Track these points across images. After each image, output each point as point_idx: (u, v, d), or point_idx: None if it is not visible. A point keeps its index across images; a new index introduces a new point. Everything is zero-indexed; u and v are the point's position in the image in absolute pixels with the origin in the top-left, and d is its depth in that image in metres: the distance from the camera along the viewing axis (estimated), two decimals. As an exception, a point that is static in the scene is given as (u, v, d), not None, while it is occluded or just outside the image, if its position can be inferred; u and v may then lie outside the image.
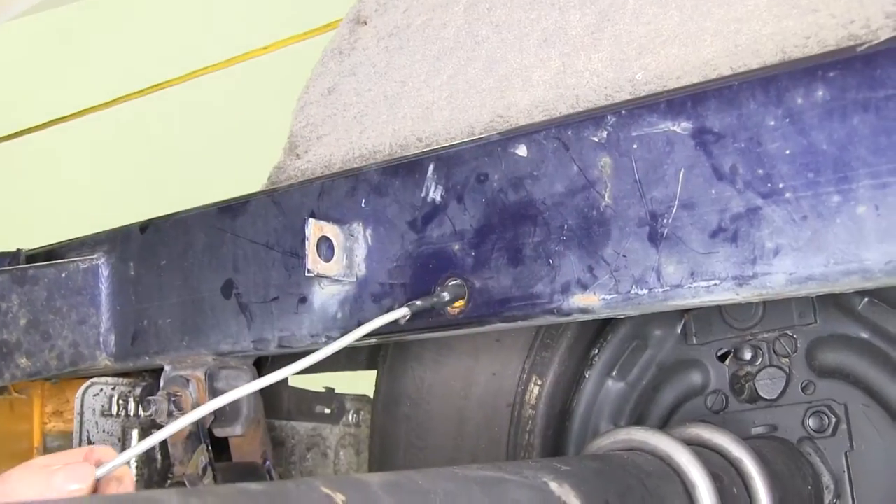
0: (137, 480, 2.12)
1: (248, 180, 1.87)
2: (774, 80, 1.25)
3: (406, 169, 1.57)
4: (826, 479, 1.93)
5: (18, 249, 2.11)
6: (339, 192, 1.63)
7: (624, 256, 1.34)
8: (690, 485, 1.42)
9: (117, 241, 1.93)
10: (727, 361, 2.10)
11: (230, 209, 1.76)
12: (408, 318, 1.49)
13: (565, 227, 1.39)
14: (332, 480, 0.94)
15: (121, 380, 2.06)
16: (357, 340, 1.49)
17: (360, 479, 0.98)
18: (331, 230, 1.57)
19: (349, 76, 1.82)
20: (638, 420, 2.15)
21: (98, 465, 1.25)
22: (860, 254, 1.18)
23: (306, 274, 1.54)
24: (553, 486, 1.19)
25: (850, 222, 1.19)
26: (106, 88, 2.73)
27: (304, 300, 1.65)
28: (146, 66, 3.24)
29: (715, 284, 1.27)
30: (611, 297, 1.36)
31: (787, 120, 1.24)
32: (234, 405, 1.93)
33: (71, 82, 4.96)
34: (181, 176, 4.65)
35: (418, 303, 1.48)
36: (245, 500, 0.83)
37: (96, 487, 1.27)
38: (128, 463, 1.32)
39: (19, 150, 2.94)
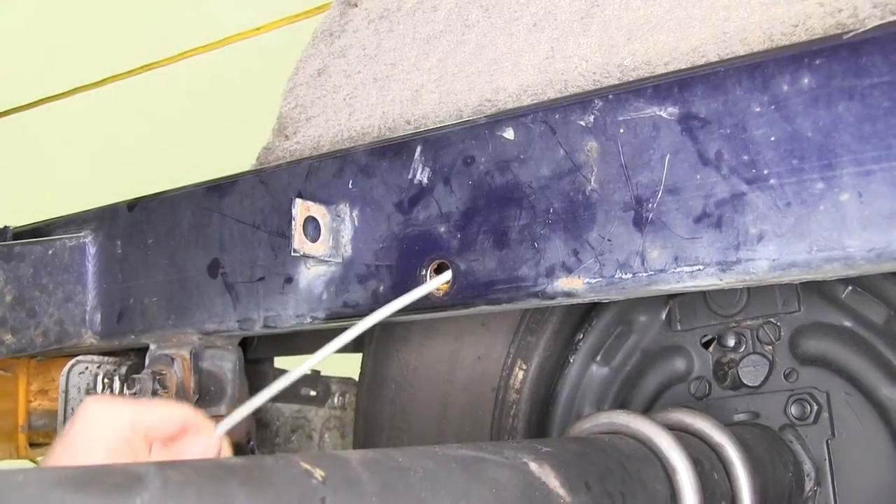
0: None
1: (237, 161, 1.87)
2: (761, 67, 1.26)
3: (393, 151, 1.57)
4: (807, 466, 1.93)
5: (6, 226, 2.11)
6: (327, 173, 1.63)
7: (609, 241, 1.35)
8: (671, 469, 1.42)
9: (104, 219, 1.93)
10: (711, 348, 2.10)
11: (218, 188, 1.76)
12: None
13: (551, 210, 1.40)
14: (312, 456, 0.94)
15: (106, 358, 2.06)
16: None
17: (340, 455, 0.99)
18: (317, 210, 1.57)
19: (339, 58, 1.82)
20: (621, 405, 2.16)
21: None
22: (843, 241, 1.18)
23: (292, 254, 1.54)
24: (533, 466, 1.19)
25: (833, 209, 1.19)
26: (96, 68, 2.72)
27: (289, 280, 1.65)
28: (137, 47, 3.23)
29: (699, 270, 1.28)
30: (595, 281, 1.36)
31: (773, 107, 1.24)
32: (220, 385, 1.93)
33: (61, 62, 4.94)
34: (169, 156, 4.64)
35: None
36: (223, 473, 0.84)
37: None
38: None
39: (6, 128, 2.93)
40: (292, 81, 1.88)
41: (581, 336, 2.22)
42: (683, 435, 1.55)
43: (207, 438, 1.35)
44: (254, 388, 2.21)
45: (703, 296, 2.10)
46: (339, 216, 1.60)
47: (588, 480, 1.25)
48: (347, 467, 0.96)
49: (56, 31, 5.76)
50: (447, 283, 1.48)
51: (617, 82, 1.46)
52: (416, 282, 1.52)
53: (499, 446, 1.22)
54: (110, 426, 1.28)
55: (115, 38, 5.32)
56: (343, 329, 1.41)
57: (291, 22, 2.11)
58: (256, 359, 2.45)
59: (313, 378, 2.71)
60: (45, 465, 1.30)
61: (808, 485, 1.92)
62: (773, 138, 1.23)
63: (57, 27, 5.75)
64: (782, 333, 2.03)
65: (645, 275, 1.32)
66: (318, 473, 0.91)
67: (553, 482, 1.19)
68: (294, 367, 2.57)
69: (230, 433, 1.40)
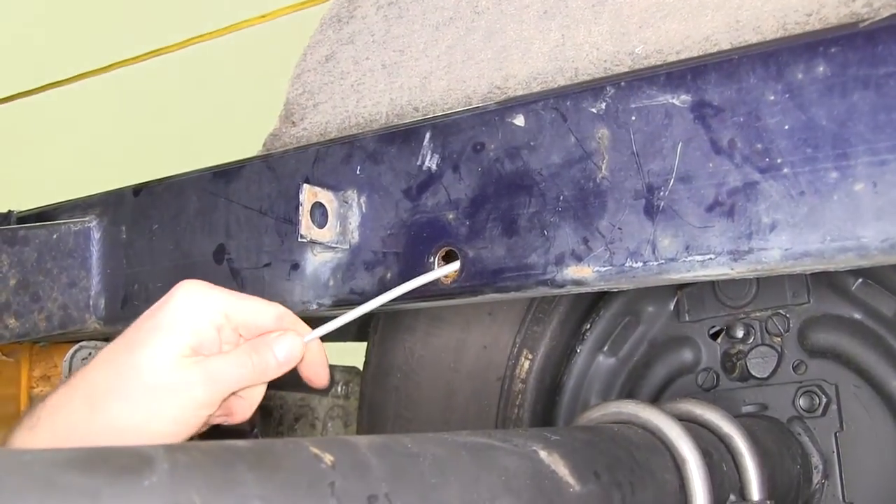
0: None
1: (244, 148, 1.86)
2: (775, 55, 1.25)
3: (402, 137, 1.56)
4: (815, 459, 1.93)
5: (10, 211, 2.10)
6: (335, 159, 1.62)
7: (619, 229, 1.34)
8: (680, 459, 1.42)
9: (109, 204, 1.92)
10: (719, 339, 2.09)
11: (224, 174, 1.76)
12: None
13: (561, 198, 1.39)
14: (321, 441, 0.93)
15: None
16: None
17: (349, 440, 0.98)
18: (325, 196, 1.56)
19: (347, 44, 1.81)
20: (628, 396, 2.15)
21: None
22: (856, 231, 1.17)
23: (299, 240, 1.53)
24: (542, 454, 1.19)
25: (847, 199, 1.18)
26: (102, 54, 2.71)
27: (296, 266, 1.64)
28: (144, 33, 3.22)
29: (710, 259, 1.27)
30: (605, 269, 1.35)
31: (787, 95, 1.23)
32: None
33: (67, 47, 4.93)
34: (176, 143, 4.64)
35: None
36: (232, 456, 0.83)
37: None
38: None
39: (13, 113, 2.93)
40: (300, 68, 1.87)
41: (588, 326, 2.21)
42: (692, 425, 1.54)
43: (295, 340, 1.35)
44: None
45: (712, 286, 2.09)
46: (346, 202, 1.59)
47: (597, 469, 1.24)
48: (356, 452, 0.95)
49: (63, 17, 5.75)
50: (455, 270, 1.47)
51: (628, 70, 1.45)
52: (424, 269, 1.51)
53: (508, 434, 1.21)
54: (203, 310, 1.29)
55: (122, 23, 5.32)
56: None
57: (299, 8, 2.10)
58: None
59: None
60: (123, 335, 1.31)
61: (816, 477, 1.92)
62: (786, 127, 1.22)
63: (63, 12, 5.75)
64: (791, 325, 2.02)
65: (655, 263, 1.31)
66: (328, 458, 0.90)
67: (562, 470, 1.18)
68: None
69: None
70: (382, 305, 1.50)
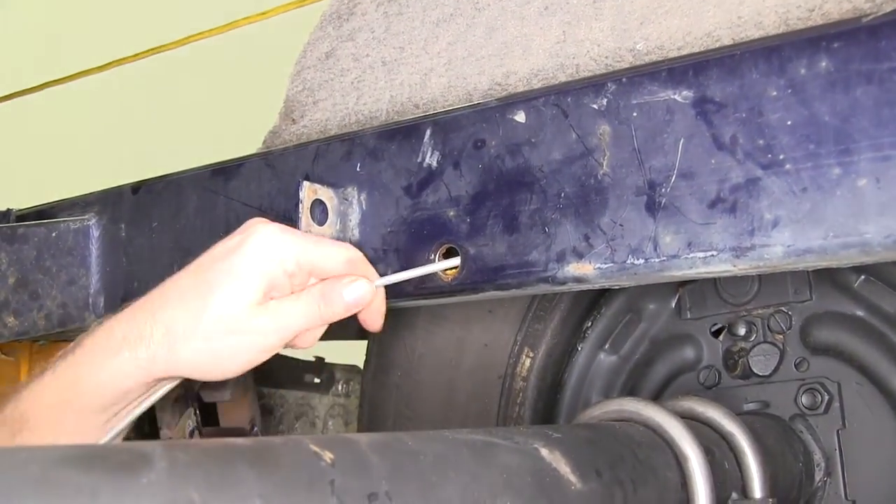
0: (125, 444, 2.12)
1: (244, 145, 1.85)
2: (777, 51, 1.24)
3: (402, 134, 1.56)
4: (817, 456, 1.92)
5: (9, 208, 2.10)
6: (335, 156, 1.62)
7: (621, 226, 1.33)
8: (682, 457, 1.41)
9: (109, 202, 1.91)
10: (721, 337, 2.09)
11: (224, 171, 1.75)
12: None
13: (562, 194, 1.38)
14: (321, 439, 0.93)
15: (109, 342, 2.05)
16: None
17: (349, 438, 0.97)
18: (325, 193, 1.55)
19: (347, 41, 1.81)
20: (629, 394, 2.14)
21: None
22: (859, 227, 1.17)
23: (299, 237, 1.52)
24: (544, 452, 1.18)
25: (850, 195, 1.17)
26: (102, 52, 2.70)
27: (296, 264, 1.63)
28: (143, 30, 3.21)
29: (712, 255, 1.26)
30: (606, 266, 1.34)
31: (790, 90, 1.22)
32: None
33: (66, 45, 4.93)
34: (176, 140, 4.63)
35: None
36: (231, 454, 0.82)
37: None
38: None
39: (13, 110, 2.92)
40: (300, 64, 1.86)
41: (589, 324, 2.21)
42: (694, 423, 1.54)
43: (364, 286, 1.41)
44: (259, 374, 2.21)
45: (714, 284, 2.08)
46: (346, 199, 1.58)
47: (599, 467, 1.24)
48: (357, 450, 0.95)
49: (62, 15, 5.75)
50: (456, 267, 1.47)
51: (629, 66, 1.44)
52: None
53: (509, 432, 1.20)
54: (275, 256, 1.36)
55: (121, 21, 5.31)
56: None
57: (300, 5, 2.09)
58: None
59: (317, 365, 2.70)
60: (195, 272, 1.39)
61: (819, 475, 1.91)
62: (789, 123, 1.22)
63: (62, 10, 5.74)
64: (793, 322, 2.02)
65: (657, 260, 1.30)
66: (328, 456, 0.89)
67: (564, 468, 1.18)
68: (299, 353, 2.57)
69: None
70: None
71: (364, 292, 1.41)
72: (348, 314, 1.41)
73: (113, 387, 1.37)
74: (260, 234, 1.37)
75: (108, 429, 1.40)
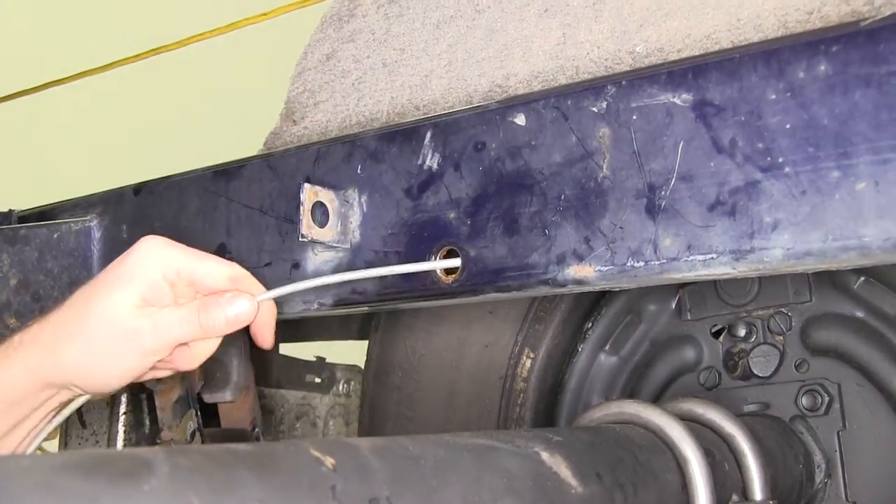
0: (125, 445, 2.12)
1: (245, 146, 1.86)
2: (777, 54, 1.24)
3: (403, 136, 1.56)
4: (818, 457, 1.93)
5: (10, 210, 2.10)
6: (335, 158, 1.62)
7: (621, 228, 1.33)
8: (682, 459, 1.42)
9: (110, 203, 1.92)
10: (721, 338, 2.09)
11: (225, 173, 1.75)
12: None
13: (562, 197, 1.38)
14: (322, 443, 0.93)
15: (110, 343, 2.05)
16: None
17: (350, 442, 0.98)
18: (326, 195, 1.56)
19: (348, 43, 1.81)
20: (630, 395, 2.15)
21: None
22: (858, 230, 1.17)
23: (300, 239, 1.53)
24: (544, 455, 1.18)
25: (849, 198, 1.18)
26: (103, 52, 2.71)
27: (297, 266, 1.64)
28: (145, 31, 3.22)
29: (712, 258, 1.26)
30: (606, 268, 1.35)
31: (789, 94, 1.22)
32: (225, 371, 1.92)
33: (67, 46, 4.93)
34: (177, 142, 4.64)
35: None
36: (232, 459, 0.83)
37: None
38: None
39: (11, 111, 2.92)
40: (300, 66, 1.86)
41: (590, 325, 2.21)
42: (694, 425, 1.54)
43: (245, 302, 1.43)
44: (259, 374, 2.21)
45: (714, 285, 2.09)
46: (347, 201, 1.58)
47: (599, 470, 1.24)
48: (357, 455, 0.95)
49: (63, 15, 5.75)
50: (456, 268, 1.47)
51: (629, 69, 1.45)
52: (425, 268, 1.51)
53: (510, 435, 1.21)
54: (158, 264, 1.41)
55: (123, 22, 5.31)
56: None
57: (300, 6, 2.09)
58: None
59: (318, 365, 2.70)
60: (92, 282, 1.44)
61: (819, 476, 1.92)
62: (788, 126, 1.22)
63: (64, 11, 5.74)
64: (793, 324, 2.02)
65: (657, 263, 1.31)
66: (329, 461, 0.89)
67: (564, 472, 1.18)
68: (300, 353, 2.57)
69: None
70: (381, 303, 1.50)
71: (245, 308, 1.43)
72: (231, 329, 1.43)
73: (3, 394, 1.41)
74: (144, 244, 1.43)
75: (6, 442, 1.43)
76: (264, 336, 1.49)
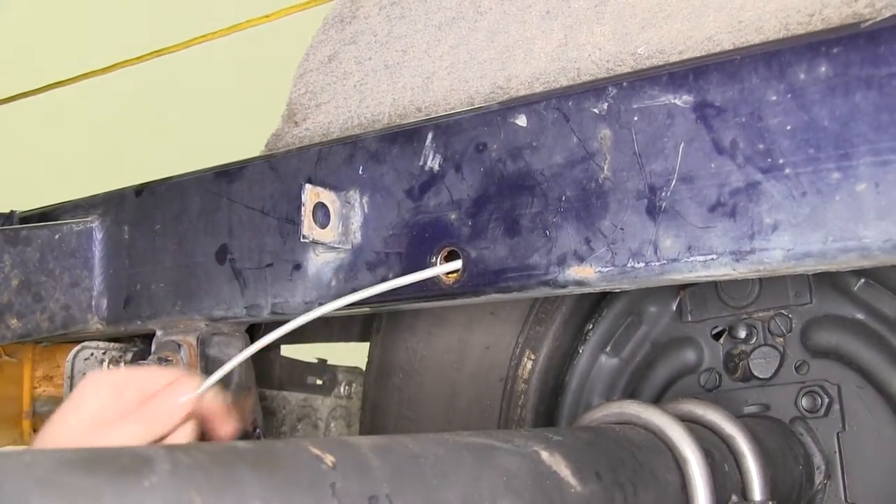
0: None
1: (246, 148, 1.86)
2: (777, 55, 1.25)
3: (405, 137, 1.56)
4: (817, 459, 1.92)
5: (12, 211, 2.10)
6: (337, 159, 1.62)
7: (621, 229, 1.33)
8: (682, 459, 1.42)
9: (112, 204, 1.92)
10: (721, 340, 2.09)
11: (226, 174, 1.75)
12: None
13: (563, 198, 1.39)
14: (322, 442, 0.93)
15: (112, 344, 2.05)
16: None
17: (350, 441, 0.98)
18: (327, 196, 1.56)
19: (350, 44, 1.81)
20: (630, 397, 2.15)
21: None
22: (859, 231, 1.17)
23: (301, 240, 1.53)
24: (544, 455, 1.18)
25: (849, 199, 1.18)
26: (104, 54, 2.71)
27: (298, 267, 1.64)
28: (146, 33, 3.22)
29: (712, 259, 1.27)
30: (607, 269, 1.35)
31: (789, 95, 1.23)
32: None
33: (69, 47, 4.93)
34: (178, 143, 4.64)
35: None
36: (233, 457, 0.83)
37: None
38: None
39: (13, 113, 2.92)
40: (302, 68, 1.86)
41: (590, 326, 2.21)
42: (694, 426, 1.54)
43: (186, 391, 1.43)
44: (260, 375, 2.21)
45: (715, 287, 2.09)
46: (348, 202, 1.59)
47: (599, 470, 1.24)
48: (357, 453, 0.95)
49: (64, 17, 5.75)
50: (457, 270, 1.47)
51: (630, 71, 1.45)
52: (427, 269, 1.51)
53: (509, 434, 1.21)
54: (105, 384, 1.46)
55: (124, 23, 5.31)
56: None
57: (302, 8, 2.10)
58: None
59: (320, 367, 2.70)
60: (42, 434, 1.48)
61: (819, 478, 1.92)
62: (788, 127, 1.22)
63: (64, 12, 5.74)
64: (794, 325, 2.02)
65: (658, 264, 1.31)
66: (329, 459, 0.90)
67: (564, 471, 1.18)
68: (301, 354, 2.57)
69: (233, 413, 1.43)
70: (382, 305, 1.50)
71: (183, 403, 1.43)
72: (182, 413, 1.43)
73: None
74: (87, 378, 1.50)
75: None
76: (222, 426, 1.49)
